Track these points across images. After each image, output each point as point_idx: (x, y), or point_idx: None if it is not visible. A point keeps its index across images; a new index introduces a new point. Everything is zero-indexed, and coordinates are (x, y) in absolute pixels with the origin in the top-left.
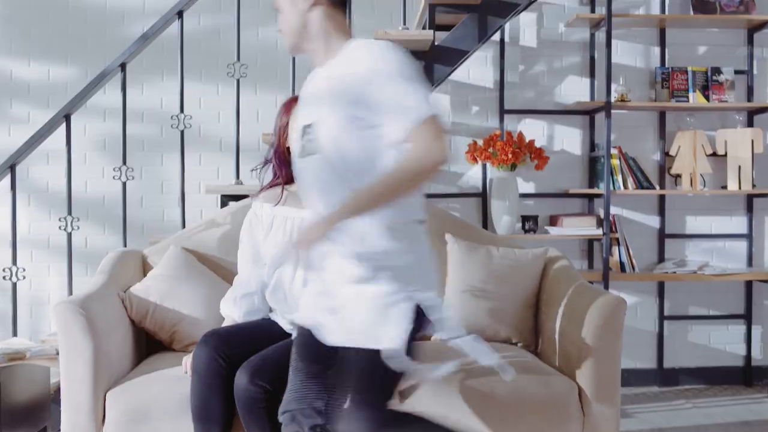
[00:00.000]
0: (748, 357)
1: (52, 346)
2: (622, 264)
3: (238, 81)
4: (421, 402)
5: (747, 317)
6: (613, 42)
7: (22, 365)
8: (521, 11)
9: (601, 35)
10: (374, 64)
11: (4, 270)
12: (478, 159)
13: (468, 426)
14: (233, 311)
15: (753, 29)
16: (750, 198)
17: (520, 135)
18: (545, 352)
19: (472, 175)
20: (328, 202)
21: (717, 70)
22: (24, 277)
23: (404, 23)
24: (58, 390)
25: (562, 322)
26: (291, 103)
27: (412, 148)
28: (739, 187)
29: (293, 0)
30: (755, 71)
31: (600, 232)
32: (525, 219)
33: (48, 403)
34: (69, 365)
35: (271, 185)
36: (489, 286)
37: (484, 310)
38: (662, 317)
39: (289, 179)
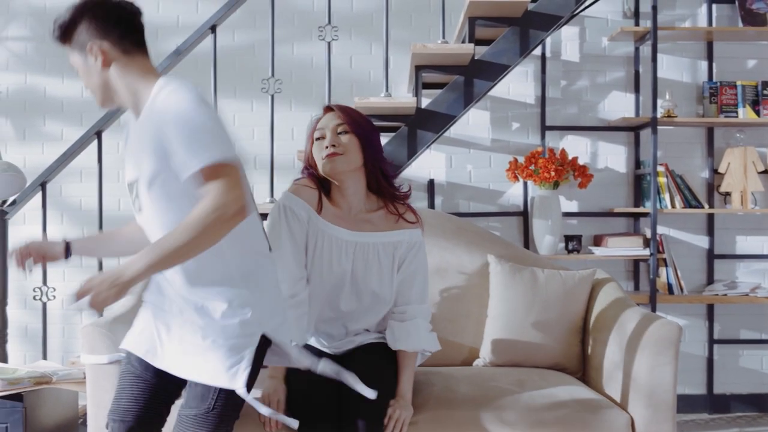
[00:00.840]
0: None
1: (80, 369)
2: (669, 285)
3: (272, 97)
4: (446, 421)
5: None
6: (659, 56)
7: (49, 389)
8: (563, 24)
9: (646, 49)
10: (165, 110)
11: (35, 290)
12: (519, 177)
13: None
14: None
15: None
16: None
17: (563, 152)
18: (594, 379)
19: (513, 193)
20: None
21: None
22: (54, 297)
23: (443, 37)
24: (86, 415)
25: (613, 348)
26: (320, 116)
27: (205, 198)
28: None
29: (86, 62)
30: None
31: (647, 252)
32: (568, 239)
33: (76, 429)
34: (96, 390)
35: (306, 185)
36: (534, 309)
37: (528, 335)
38: (712, 341)
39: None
